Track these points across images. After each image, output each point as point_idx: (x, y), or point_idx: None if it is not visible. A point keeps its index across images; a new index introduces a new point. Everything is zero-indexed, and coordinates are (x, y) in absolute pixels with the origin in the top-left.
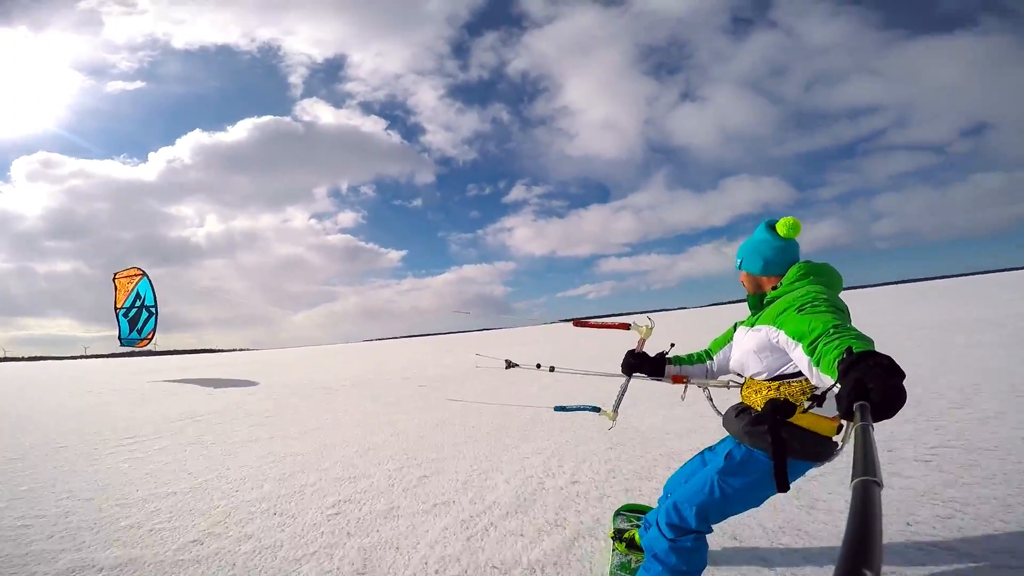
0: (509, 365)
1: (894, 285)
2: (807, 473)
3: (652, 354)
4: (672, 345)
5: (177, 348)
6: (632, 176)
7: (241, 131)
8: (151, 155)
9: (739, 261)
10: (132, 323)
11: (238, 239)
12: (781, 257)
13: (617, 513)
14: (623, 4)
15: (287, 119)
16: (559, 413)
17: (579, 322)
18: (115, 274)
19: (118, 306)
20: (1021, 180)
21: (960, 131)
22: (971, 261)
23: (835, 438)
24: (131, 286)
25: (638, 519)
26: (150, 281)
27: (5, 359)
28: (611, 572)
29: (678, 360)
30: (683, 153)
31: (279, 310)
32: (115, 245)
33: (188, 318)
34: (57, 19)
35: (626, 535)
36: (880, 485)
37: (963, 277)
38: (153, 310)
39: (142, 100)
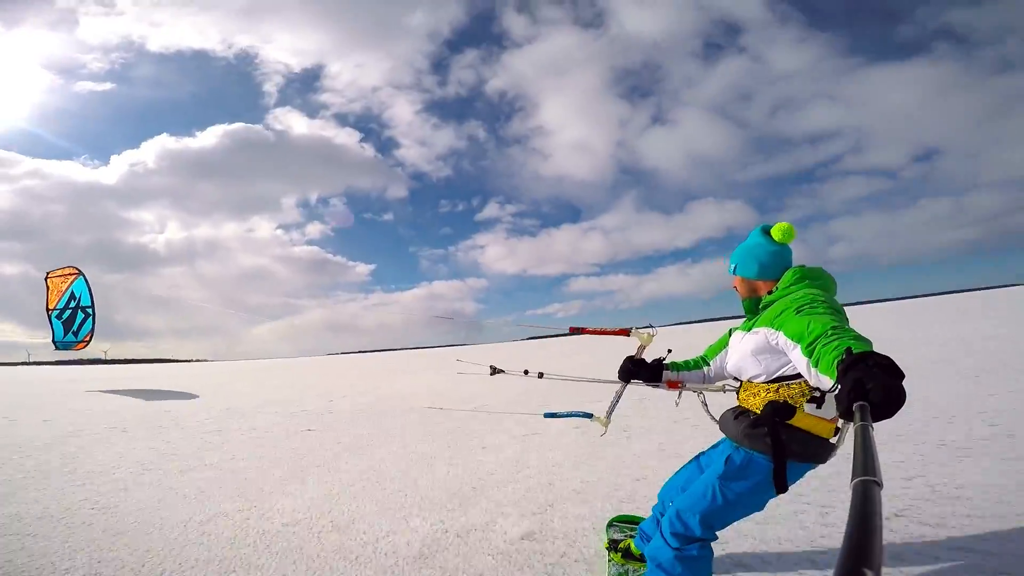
0: (494, 371)
1: (849, 307)
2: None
3: (649, 361)
4: (669, 351)
5: (130, 357)
6: (603, 197)
7: (210, 137)
8: (113, 158)
9: (733, 266)
10: (67, 325)
11: (199, 247)
12: (776, 261)
13: (610, 524)
14: (601, 27)
15: (258, 127)
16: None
17: (575, 329)
18: (47, 273)
19: (50, 307)
20: (966, 205)
21: (912, 156)
22: (917, 284)
23: (832, 440)
24: (65, 286)
25: (631, 529)
26: (87, 280)
27: None
28: None
29: (675, 366)
30: (652, 176)
31: (238, 322)
32: (68, 249)
33: (142, 327)
34: (31, 16)
35: (621, 545)
36: (880, 485)
37: (905, 300)
38: (90, 311)
39: (110, 102)
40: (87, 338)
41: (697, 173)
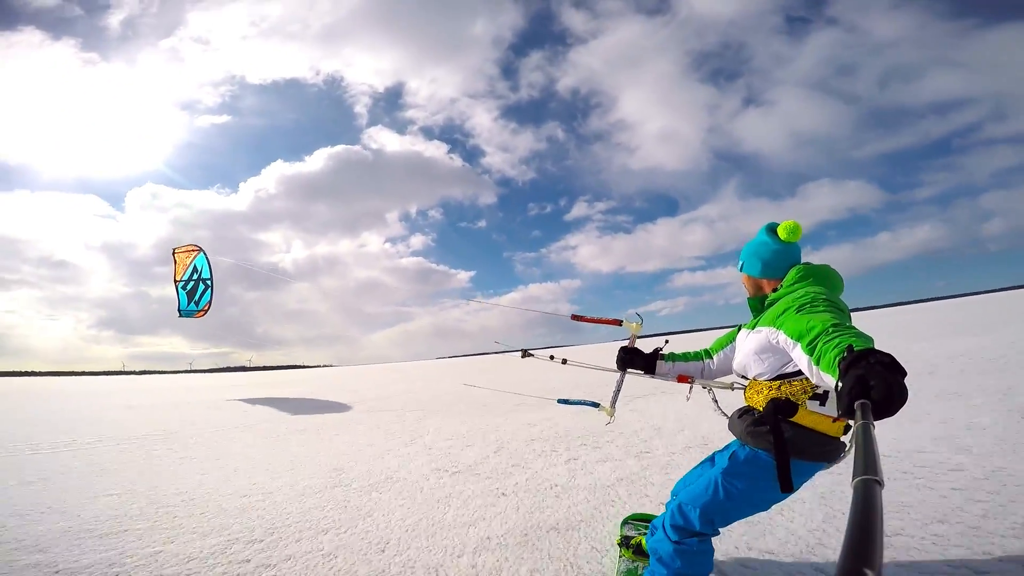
0: (525, 354)
1: (1009, 291)
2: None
3: (646, 351)
4: (666, 342)
5: (269, 364)
6: (701, 187)
7: (318, 161)
8: (242, 185)
9: (740, 264)
10: (190, 295)
11: (320, 264)
12: (780, 260)
13: (624, 522)
14: (668, 12)
15: (357, 147)
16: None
17: (576, 317)
18: (174, 249)
19: (177, 279)
20: None
21: None
22: None
23: (843, 438)
24: (188, 260)
25: (645, 527)
26: (207, 256)
27: (121, 372)
28: None
29: (672, 357)
30: (754, 160)
31: (358, 330)
32: (215, 270)
33: (279, 336)
34: (143, 57)
35: (632, 541)
36: (881, 484)
37: None
38: (209, 283)
39: (228, 133)
40: (207, 307)
41: (805, 154)
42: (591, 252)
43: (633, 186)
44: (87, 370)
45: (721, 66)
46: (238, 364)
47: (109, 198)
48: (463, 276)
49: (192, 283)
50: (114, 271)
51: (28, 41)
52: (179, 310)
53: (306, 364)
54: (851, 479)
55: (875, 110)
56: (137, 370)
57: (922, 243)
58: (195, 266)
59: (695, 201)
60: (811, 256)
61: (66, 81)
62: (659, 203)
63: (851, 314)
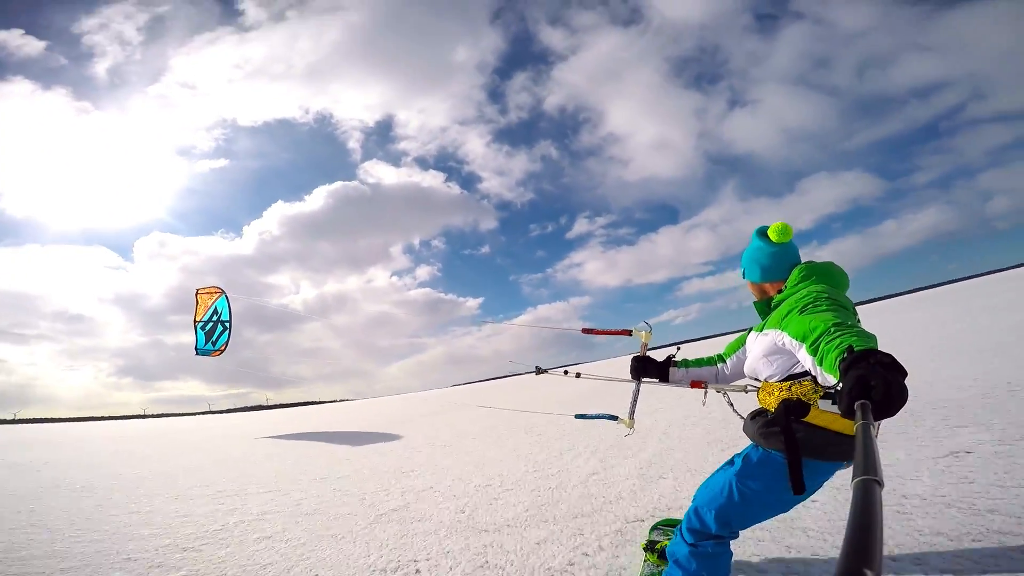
0: (539, 371)
1: (1018, 268)
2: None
3: (659, 359)
4: (678, 348)
5: (285, 402)
6: (699, 192)
7: (317, 199)
8: (245, 228)
9: (742, 271)
10: (208, 335)
11: (330, 302)
12: (778, 262)
13: (654, 527)
14: (641, 21)
15: (355, 183)
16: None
17: (587, 330)
18: (197, 290)
19: (197, 319)
20: None
21: None
22: None
23: None
24: (210, 301)
25: (674, 532)
26: (227, 299)
27: (144, 416)
28: None
29: (685, 363)
30: (748, 161)
31: (373, 364)
32: (236, 311)
33: (295, 375)
34: (133, 104)
35: (658, 546)
36: (881, 484)
37: None
38: (228, 325)
39: (227, 177)
40: (223, 348)
41: (798, 149)
42: (597, 268)
43: (631, 198)
44: (109, 415)
45: (701, 70)
46: (256, 403)
47: (117, 249)
48: (472, 303)
49: (211, 324)
50: (129, 322)
51: (20, 91)
52: (196, 348)
53: (322, 400)
54: (851, 479)
55: (858, 100)
56: (157, 413)
57: (929, 228)
58: (216, 308)
59: (695, 207)
60: (820, 251)
61: (63, 131)
62: (659, 212)
63: (856, 309)
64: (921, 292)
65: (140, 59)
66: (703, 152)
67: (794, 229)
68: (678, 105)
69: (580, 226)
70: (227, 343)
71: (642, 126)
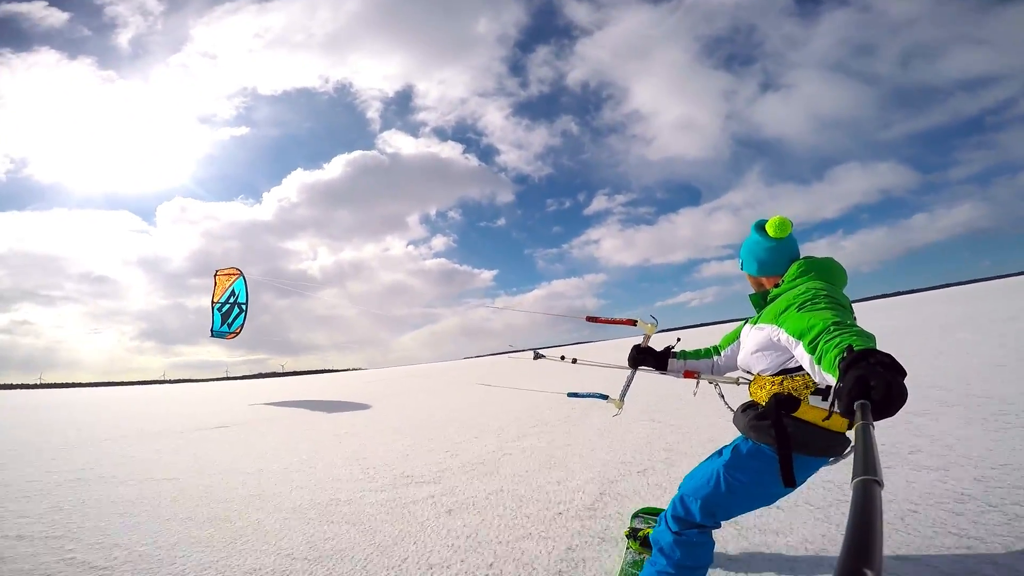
0: (536, 356)
1: None
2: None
3: (659, 349)
4: (678, 340)
5: (301, 369)
6: (723, 174)
7: (336, 167)
8: (265, 195)
9: (740, 263)
10: (224, 317)
11: (347, 269)
12: (775, 257)
13: (635, 515)
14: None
15: (373, 152)
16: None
17: (591, 319)
18: (216, 271)
19: (214, 300)
20: None
21: None
22: None
23: (848, 433)
24: (228, 283)
25: (655, 520)
26: (245, 281)
27: (163, 381)
28: (622, 569)
29: (684, 355)
30: (776, 145)
31: (387, 333)
32: (250, 280)
33: (312, 342)
34: (156, 73)
35: (640, 534)
36: (880, 484)
37: None
38: (244, 307)
39: (247, 144)
40: (238, 330)
41: (830, 137)
42: (614, 245)
43: (653, 177)
44: (132, 379)
45: (734, 51)
46: (272, 370)
47: (141, 213)
48: (486, 275)
49: (228, 306)
50: (151, 284)
51: (46, 61)
52: (211, 330)
53: (336, 368)
54: (851, 479)
55: (899, 90)
56: (177, 378)
57: (963, 223)
58: (233, 289)
59: (718, 189)
60: (846, 241)
61: (88, 99)
62: (681, 193)
63: (851, 306)
64: (952, 288)
65: (162, 29)
66: (730, 134)
67: (820, 217)
68: (707, 86)
69: (598, 203)
70: (242, 326)
71: (668, 105)
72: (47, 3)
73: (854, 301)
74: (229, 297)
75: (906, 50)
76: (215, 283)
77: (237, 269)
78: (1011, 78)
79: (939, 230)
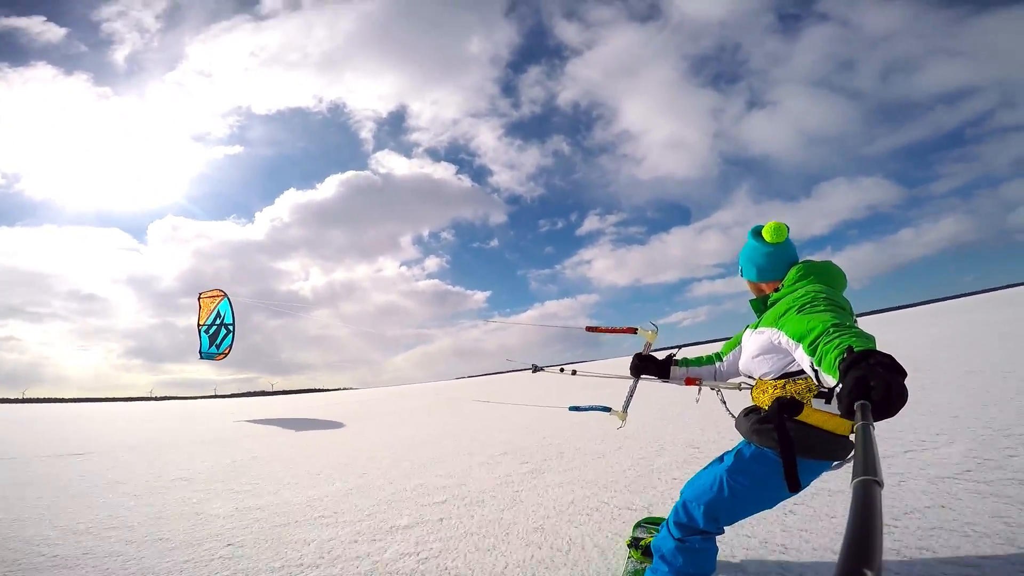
0: (536, 369)
1: None
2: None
3: (660, 357)
4: (679, 347)
5: (291, 388)
6: (712, 193)
7: (329, 188)
8: (257, 215)
9: (740, 269)
10: (212, 339)
11: (339, 290)
12: (773, 262)
13: (638, 524)
14: (659, 18)
15: (366, 172)
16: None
17: (591, 328)
18: (200, 294)
19: (200, 323)
20: None
21: None
22: None
23: (851, 436)
24: (213, 305)
25: (657, 529)
26: (230, 302)
27: (150, 398)
28: None
29: (686, 362)
30: (764, 163)
31: (380, 354)
32: (237, 304)
33: (302, 362)
34: (151, 90)
35: (642, 543)
36: (880, 485)
37: None
38: (231, 328)
39: (240, 163)
40: (227, 351)
41: (816, 153)
42: (606, 266)
43: (643, 197)
44: (118, 396)
45: (720, 69)
46: (261, 389)
47: (131, 231)
48: (479, 296)
49: (215, 327)
50: (140, 303)
51: (42, 76)
52: (200, 352)
53: (327, 388)
54: (851, 480)
55: (881, 104)
56: (163, 396)
57: (947, 237)
58: (219, 311)
59: (708, 208)
60: (834, 257)
61: (83, 115)
62: (671, 212)
63: (853, 313)
64: (936, 304)
65: (158, 46)
66: (718, 152)
67: (809, 234)
68: (695, 104)
69: (590, 223)
70: (231, 346)
71: (657, 124)
72: (45, 18)
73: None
74: (215, 319)
75: (885, 64)
76: (199, 306)
77: (221, 291)
78: (988, 89)
79: (925, 245)
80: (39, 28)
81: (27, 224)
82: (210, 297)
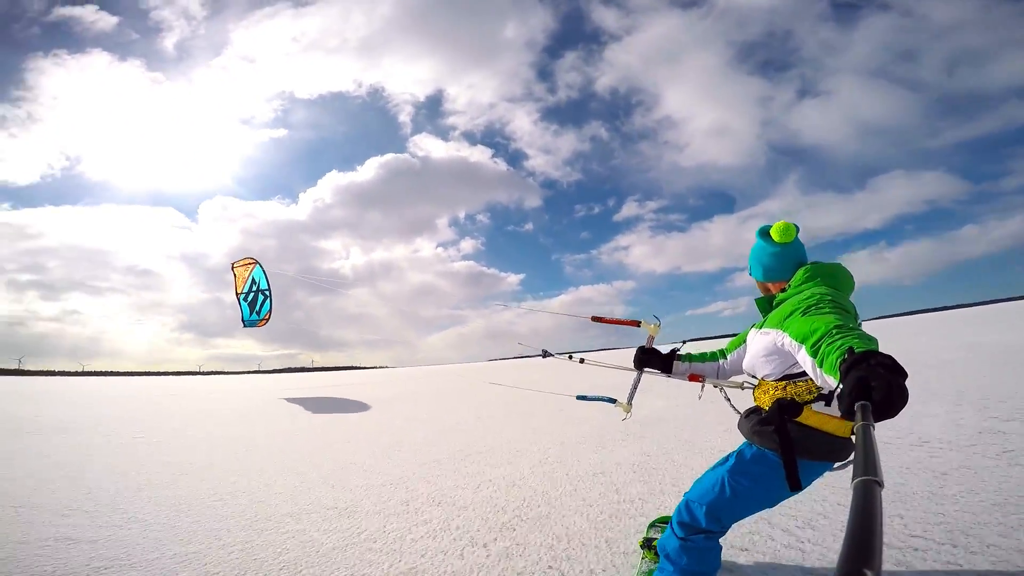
0: (545, 354)
1: None
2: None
3: (664, 351)
4: (684, 343)
5: (330, 365)
6: (759, 182)
7: (369, 170)
8: (301, 196)
9: (749, 268)
10: (251, 306)
11: (377, 269)
12: (781, 262)
13: (651, 524)
14: (704, 4)
15: (404, 155)
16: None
17: (596, 318)
18: (232, 264)
19: (238, 292)
20: None
21: None
22: None
23: (851, 437)
24: (247, 273)
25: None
26: (263, 268)
27: (199, 373)
28: None
29: (689, 357)
30: (815, 153)
31: (415, 333)
32: (283, 278)
33: (341, 339)
34: (199, 76)
35: (654, 543)
36: (881, 485)
37: None
38: (268, 293)
39: (285, 146)
40: (267, 316)
41: (872, 145)
42: (644, 252)
43: (685, 184)
44: (171, 370)
45: (769, 57)
46: (302, 365)
47: (184, 210)
48: (513, 279)
49: (252, 294)
50: (192, 278)
51: (98, 63)
52: (243, 320)
53: (364, 365)
54: (851, 480)
55: (946, 96)
56: (212, 370)
57: (1015, 235)
58: (253, 278)
59: (753, 197)
60: (889, 253)
61: (137, 100)
62: (714, 200)
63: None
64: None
65: (204, 33)
66: (766, 141)
67: (861, 228)
68: (741, 92)
69: (628, 209)
70: (271, 311)
71: (701, 111)
72: (97, 7)
73: (897, 315)
74: (251, 287)
75: (952, 56)
76: (235, 275)
77: (252, 259)
78: None
79: (988, 243)
80: (92, 16)
81: (88, 203)
82: (243, 265)
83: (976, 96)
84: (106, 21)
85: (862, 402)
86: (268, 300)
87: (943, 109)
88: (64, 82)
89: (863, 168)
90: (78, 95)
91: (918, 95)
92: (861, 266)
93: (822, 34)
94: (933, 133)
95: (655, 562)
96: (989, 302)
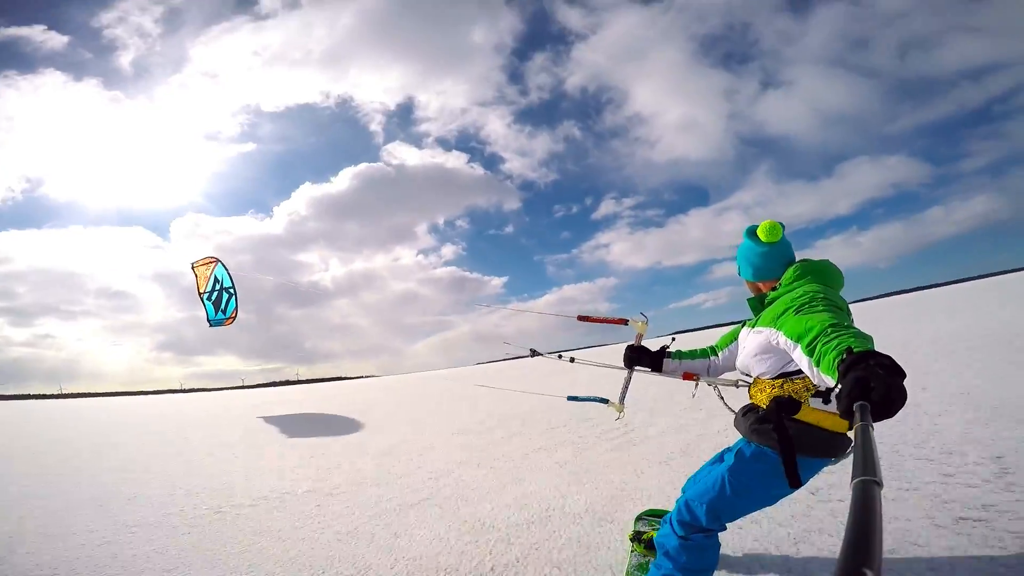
0: (534, 353)
1: None
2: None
3: (654, 349)
4: (673, 339)
5: (316, 377)
6: (730, 174)
7: (343, 180)
8: (275, 209)
9: (737, 268)
10: (216, 305)
11: (358, 280)
12: (769, 261)
13: (639, 517)
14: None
15: (379, 164)
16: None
17: (583, 317)
18: (192, 264)
19: (201, 291)
20: None
21: None
22: None
23: (849, 433)
24: (208, 272)
25: (659, 522)
26: (225, 266)
27: (180, 391)
28: (628, 572)
29: (679, 355)
30: (782, 143)
31: (401, 341)
32: (259, 292)
33: (327, 350)
34: (160, 93)
35: (644, 536)
36: (880, 485)
37: None
38: (232, 291)
39: (254, 160)
40: (234, 314)
41: (836, 132)
42: (624, 249)
43: (659, 179)
44: (151, 389)
45: (730, 50)
46: (286, 379)
47: (155, 229)
48: (496, 282)
49: (216, 293)
50: (168, 298)
51: (52, 82)
52: (208, 320)
53: (350, 376)
54: (850, 480)
55: (901, 82)
56: (192, 388)
57: (978, 215)
58: (215, 276)
59: (726, 189)
60: (861, 237)
61: (97, 118)
62: (689, 194)
63: (849, 309)
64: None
65: (161, 50)
66: (734, 133)
67: (833, 214)
68: (706, 85)
69: (606, 207)
70: (236, 309)
71: (669, 106)
72: (46, 27)
73: (870, 299)
74: (214, 285)
75: (903, 41)
76: (196, 275)
77: (213, 257)
78: (1013, 65)
79: (955, 223)
80: (41, 36)
81: (55, 225)
82: (204, 264)
83: (928, 81)
84: (56, 40)
85: (861, 402)
86: (233, 298)
87: (899, 95)
88: (18, 103)
89: (829, 156)
90: (34, 116)
91: (874, 81)
92: (836, 251)
93: (778, 24)
94: (892, 118)
95: (645, 555)
96: (958, 281)
